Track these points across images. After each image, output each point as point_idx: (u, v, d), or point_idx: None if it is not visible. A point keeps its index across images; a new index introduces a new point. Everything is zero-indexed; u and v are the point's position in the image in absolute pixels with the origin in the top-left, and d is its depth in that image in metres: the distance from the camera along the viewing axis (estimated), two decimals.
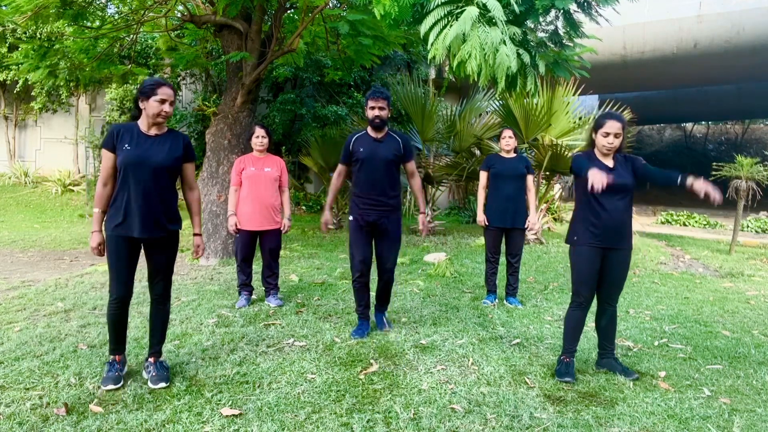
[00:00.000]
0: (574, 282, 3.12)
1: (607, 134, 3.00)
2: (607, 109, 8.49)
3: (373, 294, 3.96)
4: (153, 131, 2.79)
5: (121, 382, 2.78)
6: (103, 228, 2.77)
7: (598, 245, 3.02)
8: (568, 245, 3.16)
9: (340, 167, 3.87)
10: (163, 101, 2.72)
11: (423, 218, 3.91)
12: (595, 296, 3.20)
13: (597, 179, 2.74)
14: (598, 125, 3.06)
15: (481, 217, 4.77)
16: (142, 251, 2.85)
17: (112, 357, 2.87)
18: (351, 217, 3.75)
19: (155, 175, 2.72)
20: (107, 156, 2.73)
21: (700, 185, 2.79)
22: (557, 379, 3.03)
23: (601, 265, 3.07)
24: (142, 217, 2.70)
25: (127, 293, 2.81)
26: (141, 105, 2.76)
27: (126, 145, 2.70)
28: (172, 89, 2.79)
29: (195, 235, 2.95)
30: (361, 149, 3.69)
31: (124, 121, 9.80)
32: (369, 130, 3.74)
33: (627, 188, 3.01)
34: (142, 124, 2.79)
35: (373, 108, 3.64)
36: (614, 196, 2.98)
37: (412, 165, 3.82)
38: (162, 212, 2.77)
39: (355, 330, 3.78)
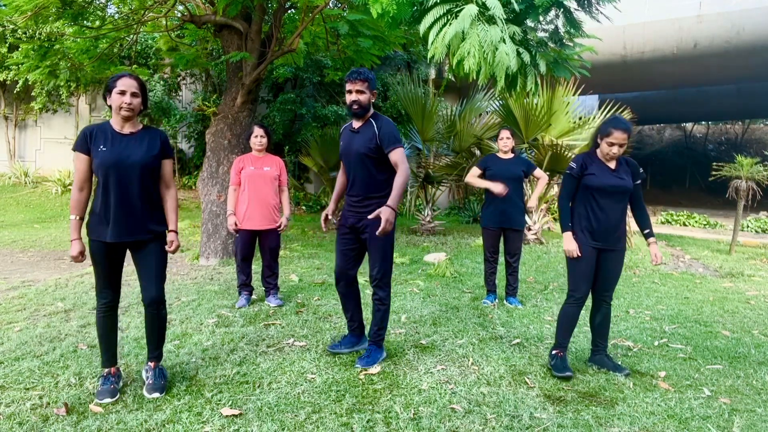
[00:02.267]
0: (570, 280, 3.17)
1: (612, 144, 2.99)
2: (606, 109, 8.49)
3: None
4: (127, 129, 2.67)
5: (117, 395, 2.68)
6: (84, 234, 2.67)
7: (594, 246, 3.07)
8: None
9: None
10: (122, 92, 2.58)
11: (385, 210, 2.94)
12: (591, 293, 3.23)
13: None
14: (605, 132, 3.02)
15: (481, 183, 4.69)
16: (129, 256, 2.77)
17: (106, 370, 2.74)
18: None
19: (135, 175, 2.62)
20: (81, 159, 2.60)
21: (653, 249, 3.16)
22: (555, 374, 3.05)
23: (597, 263, 3.11)
24: (125, 219, 2.60)
25: (114, 298, 2.72)
26: (108, 102, 2.65)
27: (101, 146, 2.58)
28: (135, 80, 2.64)
29: (170, 231, 2.82)
30: (342, 143, 3.28)
31: None
32: (353, 121, 3.24)
33: (626, 190, 3.05)
34: (115, 122, 2.67)
35: (350, 92, 3.07)
36: (613, 198, 3.04)
37: (394, 155, 3.05)
38: (144, 213, 2.67)
39: (334, 343, 3.46)
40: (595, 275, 3.15)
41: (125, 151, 2.62)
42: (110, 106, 2.67)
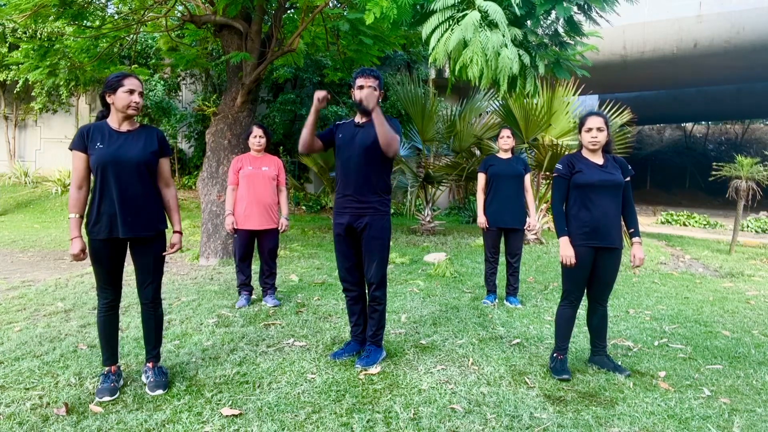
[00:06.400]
0: (564, 282, 3.17)
1: (590, 129, 3.08)
2: (606, 109, 8.51)
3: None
4: (125, 127, 2.68)
5: (117, 394, 2.68)
6: (83, 233, 2.67)
7: (590, 245, 3.05)
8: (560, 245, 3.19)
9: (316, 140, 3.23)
10: (131, 91, 2.61)
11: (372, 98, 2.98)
12: (586, 295, 3.24)
13: (566, 255, 3.05)
14: (581, 123, 3.15)
15: (482, 219, 4.75)
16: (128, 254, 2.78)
17: (106, 368, 2.74)
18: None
19: (133, 172, 2.63)
20: (79, 157, 2.61)
21: (635, 249, 3.12)
22: (554, 377, 3.05)
23: (592, 266, 3.10)
24: (124, 216, 2.61)
25: (116, 296, 2.74)
26: (109, 100, 2.66)
27: (98, 144, 2.59)
28: (139, 80, 2.70)
29: (175, 232, 2.84)
30: (341, 135, 3.20)
31: None
32: (356, 117, 3.25)
33: (617, 185, 3.06)
34: (113, 121, 2.67)
35: (361, 87, 3.08)
36: (605, 194, 3.04)
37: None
38: (144, 210, 2.67)
39: (336, 351, 3.35)
40: (592, 278, 3.14)
41: (122, 147, 2.63)
42: (107, 105, 2.68)
